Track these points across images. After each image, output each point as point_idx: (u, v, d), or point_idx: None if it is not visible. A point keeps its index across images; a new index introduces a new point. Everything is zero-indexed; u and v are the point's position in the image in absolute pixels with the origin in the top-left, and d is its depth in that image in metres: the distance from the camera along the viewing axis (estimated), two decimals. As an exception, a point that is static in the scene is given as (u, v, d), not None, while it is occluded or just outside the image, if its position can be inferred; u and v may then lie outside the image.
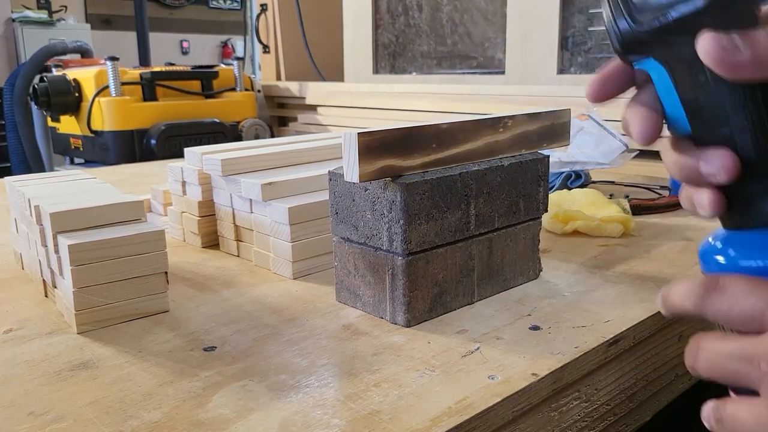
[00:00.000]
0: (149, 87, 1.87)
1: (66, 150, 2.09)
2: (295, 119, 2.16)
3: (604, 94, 0.35)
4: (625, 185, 1.14)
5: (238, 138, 1.99)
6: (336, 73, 2.27)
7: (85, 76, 1.88)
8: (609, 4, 0.31)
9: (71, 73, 1.95)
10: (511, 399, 0.47)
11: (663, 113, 0.32)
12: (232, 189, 0.79)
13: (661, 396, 0.67)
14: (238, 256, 0.82)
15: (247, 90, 2.10)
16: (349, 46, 2.13)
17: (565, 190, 0.97)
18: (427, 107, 1.66)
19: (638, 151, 1.11)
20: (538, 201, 0.69)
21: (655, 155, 1.22)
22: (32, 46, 3.89)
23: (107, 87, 1.81)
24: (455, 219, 0.61)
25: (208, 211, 0.84)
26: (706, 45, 0.28)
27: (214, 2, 6.34)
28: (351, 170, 0.54)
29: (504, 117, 0.65)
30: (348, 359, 0.52)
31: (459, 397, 0.46)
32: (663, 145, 0.33)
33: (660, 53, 0.30)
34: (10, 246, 0.84)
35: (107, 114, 1.81)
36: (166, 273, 0.63)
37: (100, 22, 5.54)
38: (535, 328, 0.58)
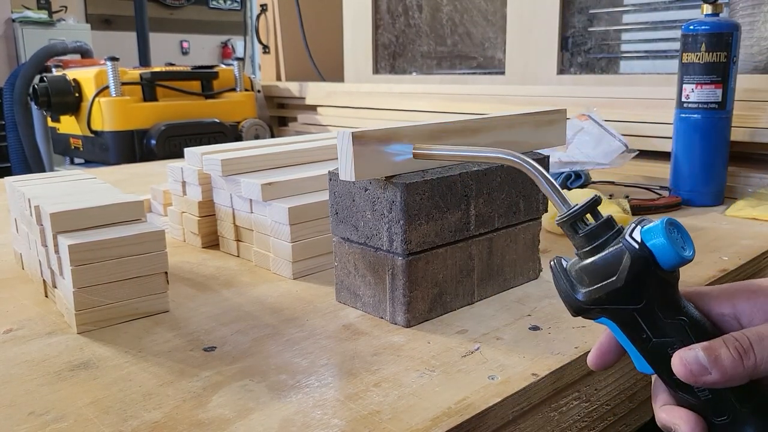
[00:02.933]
0: (149, 87, 1.87)
1: (66, 150, 2.10)
2: (295, 119, 2.16)
3: (603, 363, 0.42)
4: (625, 185, 1.14)
5: (238, 138, 1.99)
6: (336, 73, 2.27)
7: (85, 76, 1.88)
8: (563, 283, 0.40)
9: (71, 74, 1.95)
10: (511, 399, 0.47)
11: (623, 353, 0.41)
12: (232, 189, 0.79)
13: (661, 396, 0.67)
14: (238, 256, 0.82)
15: (247, 90, 2.10)
16: (349, 46, 2.13)
17: (565, 191, 0.97)
18: (427, 107, 1.66)
19: (638, 152, 1.11)
20: (538, 201, 0.69)
21: (656, 155, 1.22)
22: (32, 46, 3.89)
23: (107, 87, 1.81)
24: (455, 219, 0.61)
25: (208, 211, 0.84)
26: (677, 367, 0.36)
27: (214, 2, 6.34)
28: (346, 169, 0.54)
29: (496, 117, 0.65)
30: (348, 359, 0.52)
31: (459, 397, 0.46)
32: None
33: (606, 314, 0.39)
34: (10, 246, 0.84)
35: (107, 114, 1.81)
36: (166, 273, 0.63)
37: (100, 22, 5.54)
38: (535, 328, 0.58)
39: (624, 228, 0.38)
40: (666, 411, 0.38)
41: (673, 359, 0.36)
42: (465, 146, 0.54)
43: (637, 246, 0.36)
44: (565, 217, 0.39)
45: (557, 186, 0.42)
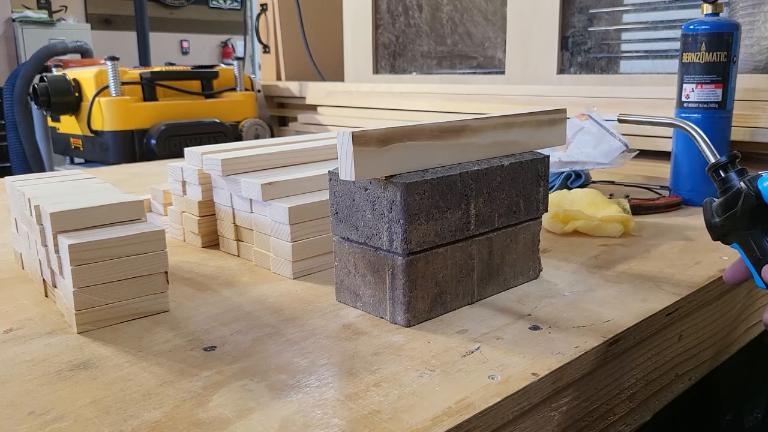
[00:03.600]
0: (149, 87, 1.87)
1: (66, 150, 2.09)
2: (295, 119, 2.16)
3: (734, 279, 0.58)
4: (625, 185, 1.14)
5: (238, 138, 1.99)
6: (336, 73, 2.27)
7: (85, 76, 1.88)
8: (708, 213, 0.57)
9: (71, 73, 1.95)
10: (511, 399, 0.47)
11: (748, 275, 0.56)
12: (232, 189, 0.79)
13: (661, 396, 0.67)
14: (238, 255, 0.82)
15: (247, 90, 2.10)
16: (349, 46, 2.13)
17: (565, 190, 0.97)
18: (427, 107, 1.66)
19: (638, 151, 1.11)
20: (538, 201, 0.69)
21: (655, 155, 1.22)
22: (32, 46, 3.90)
23: (107, 87, 1.81)
24: (455, 219, 0.61)
25: (208, 211, 0.84)
26: (765, 275, 0.51)
27: (214, 2, 6.34)
28: (346, 169, 0.54)
29: (496, 116, 0.65)
30: (348, 359, 0.52)
31: (459, 396, 0.46)
32: None
33: (733, 239, 0.56)
34: (10, 246, 0.84)
35: (107, 114, 1.81)
36: (166, 273, 0.63)
37: (100, 22, 5.54)
38: (535, 328, 0.58)
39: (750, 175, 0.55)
40: None
41: (763, 271, 0.51)
42: (649, 116, 0.71)
43: (750, 188, 0.53)
44: (713, 165, 0.57)
45: (710, 143, 0.59)
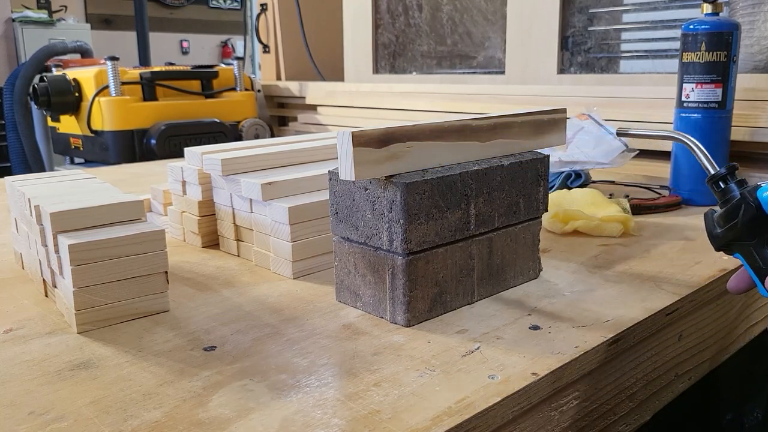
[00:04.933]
0: (149, 87, 1.87)
1: (66, 150, 2.10)
2: (295, 119, 2.16)
3: (738, 288, 0.58)
4: (625, 185, 1.14)
5: (238, 138, 1.99)
6: (336, 73, 2.27)
7: (85, 76, 1.88)
8: (710, 225, 0.58)
9: (71, 73, 1.95)
10: (511, 398, 0.47)
11: (752, 284, 0.56)
12: (232, 189, 0.79)
13: (661, 396, 0.67)
14: (238, 255, 0.82)
15: (247, 90, 2.10)
16: (349, 46, 2.13)
17: (565, 190, 0.97)
18: (427, 107, 1.66)
19: (638, 151, 1.11)
20: (538, 201, 0.69)
21: (655, 155, 1.22)
22: (32, 46, 3.90)
23: (107, 87, 1.81)
24: (455, 219, 0.61)
25: (208, 211, 0.84)
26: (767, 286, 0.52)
27: (214, 2, 6.34)
28: (346, 169, 0.54)
29: (496, 116, 0.65)
30: (348, 359, 0.52)
31: (459, 396, 0.46)
32: None
33: (736, 249, 0.55)
34: (10, 246, 0.84)
35: (107, 114, 1.81)
36: (166, 273, 0.63)
37: (100, 22, 5.54)
38: (535, 327, 0.58)
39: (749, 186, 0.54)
40: None
41: (765, 281, 0.51)
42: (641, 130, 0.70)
43: (750, 199, 0.53)
44: (714, 176, 0.57)
45: (708, 155, 0.59)
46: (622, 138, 1.08)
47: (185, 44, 6.16)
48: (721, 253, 0.58)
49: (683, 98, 1.00)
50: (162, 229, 0.62)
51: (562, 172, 1.06)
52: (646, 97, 1.32)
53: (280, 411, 0.45)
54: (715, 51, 0.96)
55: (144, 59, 3.66)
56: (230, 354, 0.54)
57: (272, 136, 2.12)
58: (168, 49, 5.81)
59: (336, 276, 0.65)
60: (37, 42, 3.77)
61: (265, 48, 2.43)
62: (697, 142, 0.61)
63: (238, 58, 2.13)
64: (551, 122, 0.70)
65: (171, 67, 2.14)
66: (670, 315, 0.63)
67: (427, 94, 1.75)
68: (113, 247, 0.59)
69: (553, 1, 1.54)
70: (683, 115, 1.01)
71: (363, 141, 0.54)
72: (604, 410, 0.58)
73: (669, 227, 0.91)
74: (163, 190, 0.92)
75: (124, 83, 1.83)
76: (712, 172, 0.57)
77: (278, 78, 2.41)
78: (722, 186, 0.56)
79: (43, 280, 0.67)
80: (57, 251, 0.60)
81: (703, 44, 0.96)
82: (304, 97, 2.11)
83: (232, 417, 0.44)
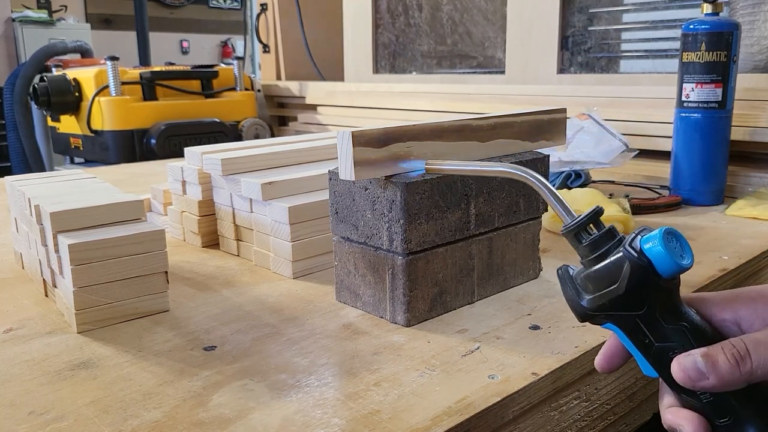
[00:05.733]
0: (149, 87, 1.87)
1: (66, 149, 2.09)
2: (295, 119, 2.16)
3: (610, 366, 0.43)
4: (625, 185, 1.14)
5: (238, 138, 1.99)
6: (336, 73, 2.27)
7: (85, 75, 1.88)
8: (569, 290, 0.42)
9: (71, 73, 1.95)
10: (511, 398, 0.47)
11: (629, 356, 0.42)
12: (232, 188, 0.79)
13: (661, 395, 0.67)
14: (238, 255, 0.82)
15: (247, 90, 2.10)
16: (349, 46, 2.13)
17: (565, 190, 0.97)
18: (427, 107, 1.66)
19: (638, 151, 1.11)
20: (538, 200, 0.69)
21: (656, 155, 1.22)
22: (32, 46, 3.89)
23: (107, 87, 1.81)
24: (455, 218, 0.61)
25: (208, 211, 0.84)
26: (675, 372, 0.37)
27: (214, 2, 6.34)
28: (346, 168, 0.54)
29: (496, 116, 0.65)
30: (348, 359, 0.52)
31: (459, 396, 0.46)
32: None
33: (611, 320, 0.41)
34: (10, 246, 0.84)
35: (107, 114, 1.81)
36: (166, 272, 0.63)
37: (100, 21, 5.54)
38: (535, 327, 0.58)
39: (625, 237, 0.40)
40: (671, 412, 0.40)
41: (672, 365, 0.38)
42: (473, 162, 0.57)
43: (636, 255, 0.38)
44: (570, 227, 0.41)
45: (562, 198, 0.45)
46: (622, 138, 1.08)
47: (185, 44, 6.15)
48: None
49: (683, 98, 1.00)
50: (162, 228, 0.62)
51: (562, 172, 1.06)
52: (646, 97, 1.32)
53: (280, 411, 0.45)
54: (715, 51, 0.96)
55: (144, 59, 3.66)
56: (230, 354, 0.54)
57: (272, 136, 2.12)
58: (168, 49, 5.80)
59: (336, 276, 0.65)
60: (37, 42, 3.77)
61: (265, 48, 2.43)
62: (547, 183, 0.47)
63: (238, 58, 2.13)
64: (551, 122, 0.70)
65: (171, 67, 2.14)
66: (670, 315, 0.63)
67: (427, 94, 1.75)
68: (113, 247, 0.59)
69: (553, 1, 1.54)
70: (683, 115, 1.01)
71: (363, 141, 0.54)
72: (604, 410, 0.58)
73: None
74: (163, 190, 0.92)
75: (124, 83, 1.83)
76: (568, 220, 0.43)
77: (278, 78, 2.41)
78: (586, 238, 0.41)
79: (43, 279, 0.67)
80: (57, 251, 0.60)
81: (703, 44, 0.96)
82: (304, 97, 2.11)
83: (232, 417, 0.44)
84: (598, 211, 0.41)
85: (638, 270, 0.38)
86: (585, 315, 0.41)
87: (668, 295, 0.39)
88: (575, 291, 0.42)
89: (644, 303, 0.39)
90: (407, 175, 0.57)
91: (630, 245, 0.39)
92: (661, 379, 0.41)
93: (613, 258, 0.39)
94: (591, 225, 0.41)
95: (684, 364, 0.37)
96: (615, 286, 0.39)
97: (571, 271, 0.42)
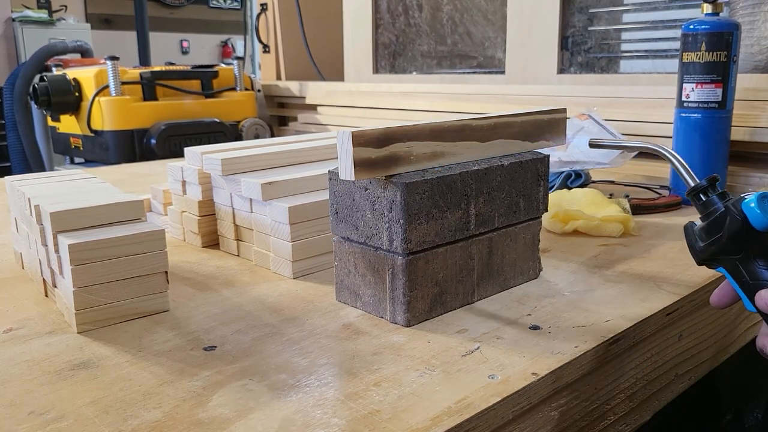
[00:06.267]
0: (149, 86, 1.87)
1: (66, 149, 2.09)
2: (295, 119, 2.16)
3: (722, 302, 0.55)
4: (625, 185, 1.14)
5: (238, 138, 1.99)
6: (336, 73, 2.27)
7: (85, 75, 1.88)
8: (691, 238, 0.55)
9: (71, 73, 1.95)
10: (511, 398, 0.47)
11: (737, 297, 0.54)
12: (232, 188, 0.79)
13: (661, 396, 0.67)
14: (238, 255, 0.82)
15: (247, 89, 2.10)
16: (349, 46, 2.13)
17: (565, 190, 0.97)
18: (427, 107, 1.66)
19: (638, 151, 1.11)
20: (538, 200, 0.69)
21: (655, 155, 1.22)
22: (32, 46, 3.89)
23: (107, 86, 1.81)
24: (455, 219, 0.61)
25: (208, 211, 0.84)
26: (758, 302, 0.49)
27: (214, 2, 6.34)
28: (346, 168, 0.54)
29: (496, 116, 0.65)
30: (348, 359, 0.52)
31: (459, 396, 0.46)
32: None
33: (719, 264, 0.53)
34: (10, 246, 0.84)
35: (107, 113, 1.81)
36: (166, 272, 0.63)
37: (100, 21, 5.54)
38: (535, 327, 0.58)
39: (733, 198, 0.52)
40: (762, 338, 0.51)
41: (756, 297, 0.49)
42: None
43: (736, 211, 0.50)
44: (693, 189, 0.54)
45: (687, 166, 0.56)
46: (622, 138, 1.08)
47: (185, 44, 6.15)
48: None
49: (683, 98, 1.00)
50: (162, 229, 0.62)
51: (562, 172, 1.06)
52: (646, 97, 1.32)
53: (280, 411, 0.45)
54: (715, 51, 0.96)
55: (144, 59, 3.66)
56: (230, 354, 0.54)
57: (272, 136, 2.12)
58: (168, 49, 5.80)
59: (336, 276, 0.65)
60: (37, 42, 3.77)
61: (265, 48, 2.43)
62: (676, 154, 0.58)
63: (238, 58, 2.13)
64: (551, 122, 0.70)
65: (171, 67, 2.14)
66: (670, 315, 0.63)
67: (427, 94, 1.75)
68: (113, 247, 0.59)
69: (553, 1, 1.54)
70: (683, 115, 1.01)
71: (363, 141, 0.54)
72: (604, 410, 0.58)
73: (669, 227, 0.91)
74: (163, 190, 0.92)
75: (124, 83, 1.83)
76: (692, 184, 0.55)
77: (278, 78, 2.41)
78: (703, 198, 0.53)
79: (43, 279, 0.67)
80: (57, 251, 0.60)
81: (703, 44, 0.96)
82: (304, 97, 2.11)
83: (232, 417, 0.44)
84: (715, 178, 0.53)
85: (736, 223, 0.50)
86: (701, 258, 0.54)
87: (762, 244, 0.50)
88: (694, 239, 0.54)
89: (741, 249, 0.50)
90: (407, 175, 0.57)
91: (732, 204, 0.51)
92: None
93: (719, 213, 0.52)
94: (709, 189, 0.53)
95: (765, 297, 0.48)
96: (720, 235, 0.51)
97: (694, 226, 0.55)
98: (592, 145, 0.66)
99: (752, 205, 0.49)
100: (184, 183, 0.86)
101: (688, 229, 0.55)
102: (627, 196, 1.00)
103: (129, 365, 0.52)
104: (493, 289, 0.66)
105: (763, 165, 1.13)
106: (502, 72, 1.70)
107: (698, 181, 0.54)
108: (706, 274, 0.70)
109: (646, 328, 0.60)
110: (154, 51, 3.84)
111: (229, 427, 0.43)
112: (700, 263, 0.54)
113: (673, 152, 0.58)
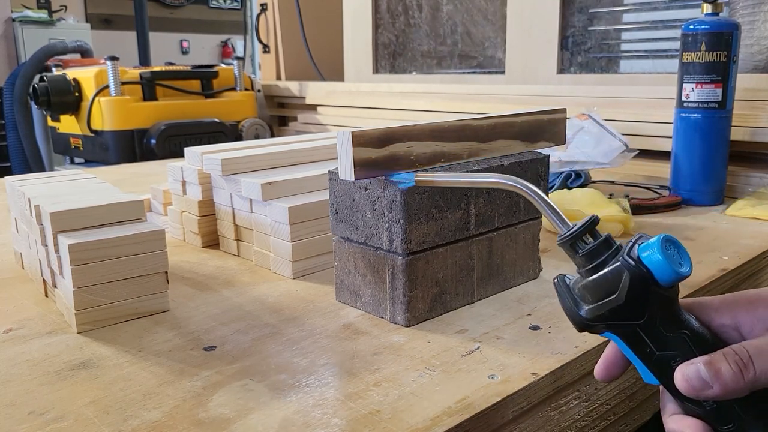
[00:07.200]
0: (149, 87, 1.87)
1: (66, 150, 2.09)
2: (295, 119, 2.16)
3: (609, 375, 0.43)
4: (625, 185, 1.14)
5: (238, 138, 1.99)
6: (336, 73, 2.27)
7: (85, 75, 1.88)
8: (567, 300, 0.40)
9: (71, 73, 1.95)
10: (511, 398, 0.47)
11: (628, 364, 0.42)
12: (232, 188, 0.79)
13: (661, 395, 0.67)
14: (238, 255, 0.82)
15: (247, 90, 2.10)
16: (349, 46, 2.13)
17: (565, 190, 0.97)
18: (427, 107, 1.66)
19: (638, 151, 1.11)
20: (538, 201, 0.69)
21: (656, 155, 1.22)
22: (32, 46, 3.89)
23: (107, 87, 1.81)
24: (455, 218, 0.61)
25: (208, 211, 0.84)
26: (679, 382, 0.37)
27: (214, 2, 6.34)
28: (346, 169, 0.54)
29: (496, 116, 0.65)
30: (348, 359, 0.52)
31: (459, 396, 0.46)
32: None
33: (610, 330, 0.40)
34: (10, 246, 0.84)
35: (107, 114, 1.81)
36: (166, 272, 0.63)
37: (100, 21, 5.54)
38: (535, 327, 0.58)
39: (622, 246, 0.39)
40: (675, 420, 0.40)
41: (675, 374, 0.37)
42: (464, 173, 0.57)
43: (634, 264, 0.37)
44: (565, 237, 0.40)
45: (556, 208, 0.42)
46: (622, 138, 1.08)
47: (185, 44, 6.15)
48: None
49: (683, 98, 1.00)
50: (162, 229, 0.62)
51: (562, 172, 1.06)
52: (646, 97, 1.32)
53: (280, 411, 0.45)
54: (715, 51, 0.96)
55: (144, 59, 3.66)
56: (230, 354, 0.54)
57: (272, 136, 2.12)
58: (168, 49, 5.80)
59: (336, 276, 0.65)
60: (37, 42, 3.77)
61: (265, 48, 2.43)
62: (539, 192, 0.44)
63: (238, 58, 2.13)
64: (551, 122, 0.70)
65: (171, 67, 2.14)
66: (670, 315, 0.63)
67: (427, 94, 1.75)
68: (113, 247, 0.59)
69: (553, 1, 1.54)
70: (683, 115, 1.01)
71: (363, 141, 0.54)
72: (604, 410, 0.58)
73: (669, 227, 0.91)
74: (163, 190, 0.92)
75: (124, 83, 1.83)
76: (564, 230, 0.40)
77: (278, 78, 2.41)
78: (583, 246, 0.39)
79: (43, 280, 0.67)
80: (57, 251, 0.60)
81: (703, 44, 0.96)
82: (304, 97, 2.11)
83: (232, 417, 0.44)
84: (593, 220, 0.40)
85: (638, 279, 0.37)
86: (584, 325, 0.40)
87: (668, 303, 0.38)
88: (573, 301, 0.40)
89: (644, 312, 0.38)
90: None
91: (628, 254, 0.38)
92: (662, 387, 0.40)
93: (611, 267, 0.38)
94: (587, 234, 0.40)
95: (687, 374, 0.36)
96: (615, 296, 0.38)
97: (567, 281, 0.41)
98: (418, 183, 0.55)
99: (655, 254, 0.37)
100: (184, 183, 0.86)
101: (561, 285, 0.41)
102: (627, 196, 1.00)
103: (129, 365, 0.52)
104: (493, 289, 0.66)
105: (763, 165, 1.13)
106: (502, 72, 1.70)
107: (570, 225, 0.40)
108: (706, 274, 0.70)
109: (646, 328, 0.60)
110: (154, 51, 3.84)
111: (229, 427, 0.43)
112: (581, 330, 0.41)
113: (534, 188, 0.44)
